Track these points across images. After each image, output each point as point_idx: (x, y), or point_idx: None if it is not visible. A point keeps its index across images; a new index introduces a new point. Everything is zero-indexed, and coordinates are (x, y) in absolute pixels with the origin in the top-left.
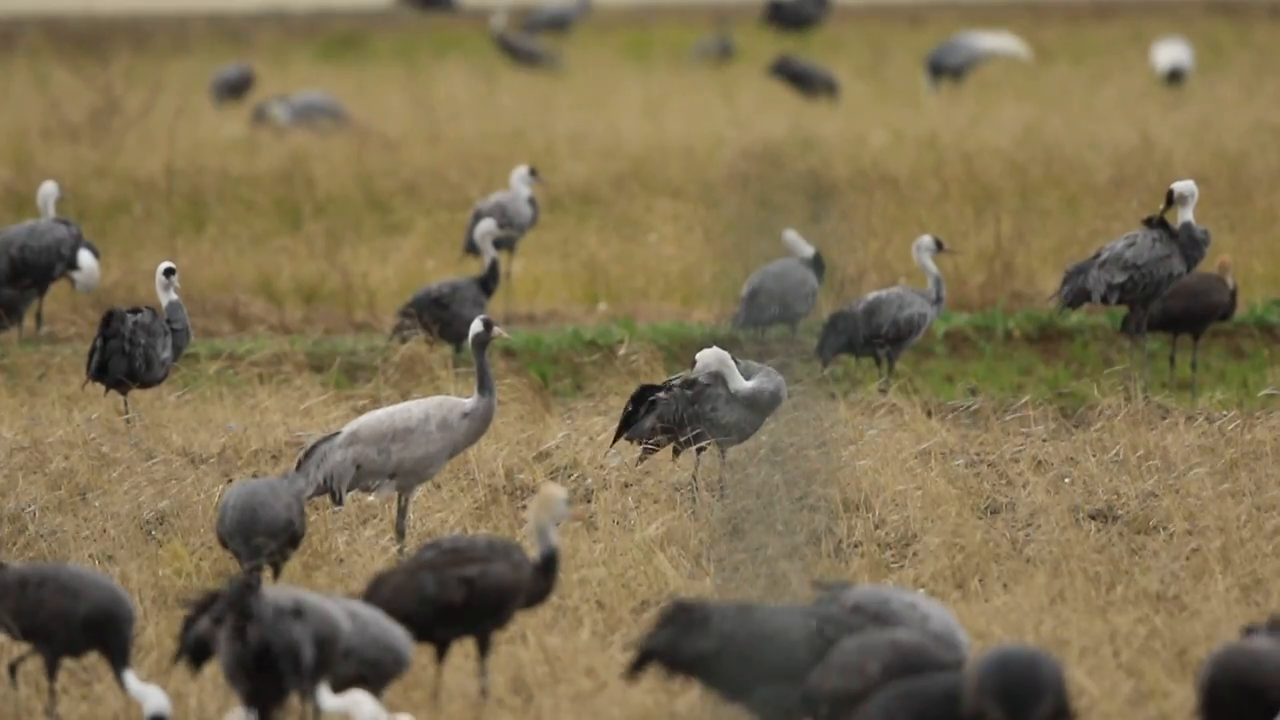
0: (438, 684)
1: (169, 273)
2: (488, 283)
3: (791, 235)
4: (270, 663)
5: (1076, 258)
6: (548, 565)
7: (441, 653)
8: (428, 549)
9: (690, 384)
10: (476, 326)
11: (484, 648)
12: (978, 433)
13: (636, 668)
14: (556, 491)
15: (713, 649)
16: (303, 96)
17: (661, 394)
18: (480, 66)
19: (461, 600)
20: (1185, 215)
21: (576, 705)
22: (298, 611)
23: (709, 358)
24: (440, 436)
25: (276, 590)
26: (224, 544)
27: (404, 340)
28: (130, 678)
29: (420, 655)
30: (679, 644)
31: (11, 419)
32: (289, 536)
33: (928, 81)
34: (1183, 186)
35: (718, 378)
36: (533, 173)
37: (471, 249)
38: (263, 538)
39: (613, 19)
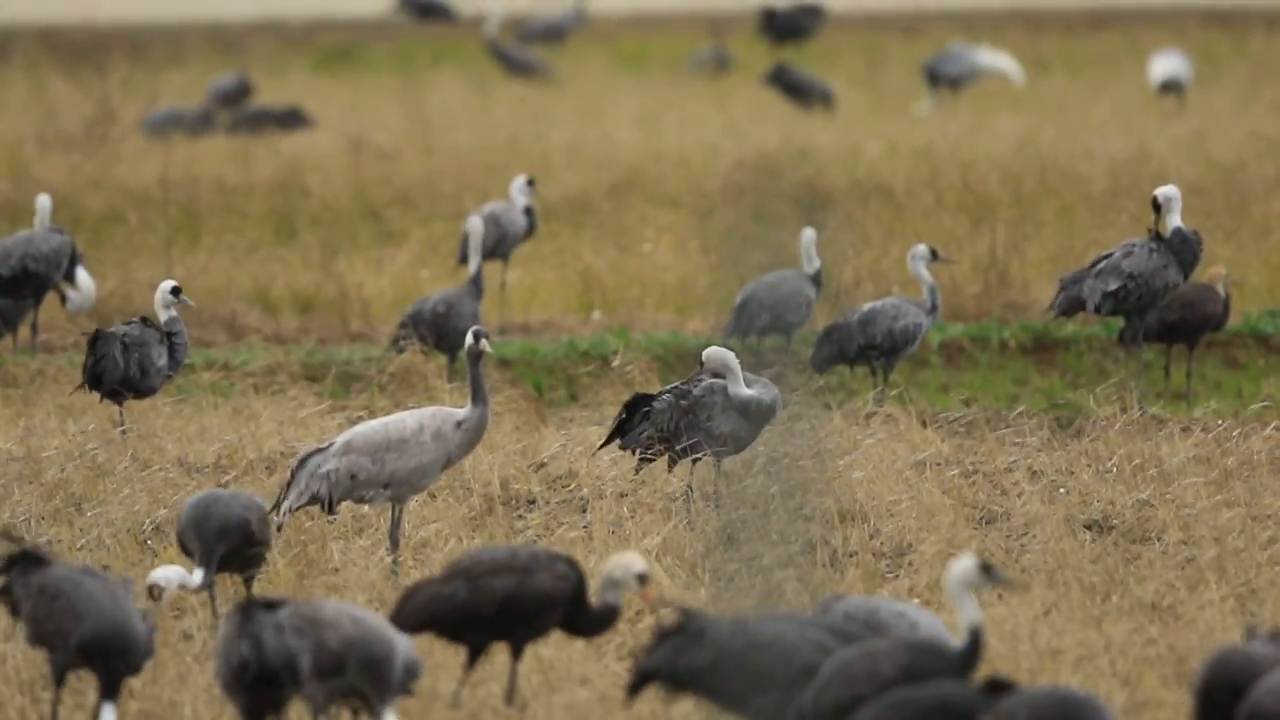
0: (460, 689)
1: (175, 291)
2: (478, 282)
3: (810, 235)
4: (269, 676)
5: (1072, 268)
6: (604, 614)
7: (474, 657)
8: (468, 558)
9: (685, 393)
10: (470, 338)
11: (516, 653)
12: (973, 443)
13: (635, 689)
14: (635, 562)
15: (709, 662)
16: (167, 109)
17: (657, 401)
18: (475, 77)
19: (495, 610)
20: (1174, 220)
21: (571, 715)
22: (294, 627)
23: (714, 355)
24: (434, 447)
25: (333, 605)
26: (183, 547)
27: (400, 351)
28: (108, 712)
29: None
30: (676, 660)
31: (6, 429)
32: (244, 538)
33: (927, 90)
34: (1165, 191)
35: (714, 387)
36: (530, 183)
37: (466, 259)
38: (215, 535)
39: (608, 29)
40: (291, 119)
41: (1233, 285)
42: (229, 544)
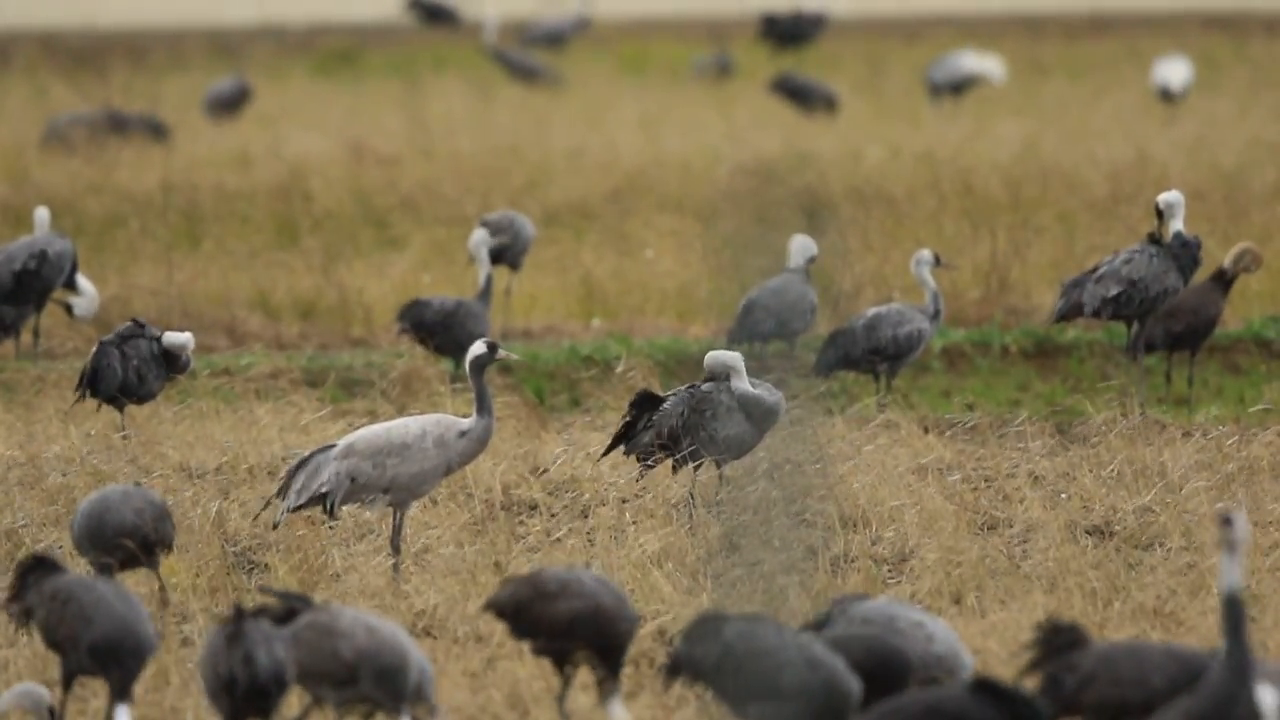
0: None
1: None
2: (487, 295)
3: (801, 243)
4: (259, 691)
5: (1073, 273)
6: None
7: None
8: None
9: (695, 387)
10: (478, 348)
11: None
12: (974, 448)
13: (668, 679)
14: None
15: (716, 659)
16: (68, 112)
17: (667, 402)
18: (477, 82)
19: (511, 619)
20: (1175, 225)
21: None
22: (283, 639)
23: (715, 359)
24: (436, 454)
25: (350, 614)
26: (80, 551)
27: (402, 332)
28: (122, 713)
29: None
30: (693, 651)
31: (8, 434)
32: (140, 543)
33: (928, 99)
34: (1168, 197)
35: (721, 386)
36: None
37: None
38: (110, 542)
39: (610, 34)
40: (151, 128)
41: (1248, 266)
42: (125, 550)
